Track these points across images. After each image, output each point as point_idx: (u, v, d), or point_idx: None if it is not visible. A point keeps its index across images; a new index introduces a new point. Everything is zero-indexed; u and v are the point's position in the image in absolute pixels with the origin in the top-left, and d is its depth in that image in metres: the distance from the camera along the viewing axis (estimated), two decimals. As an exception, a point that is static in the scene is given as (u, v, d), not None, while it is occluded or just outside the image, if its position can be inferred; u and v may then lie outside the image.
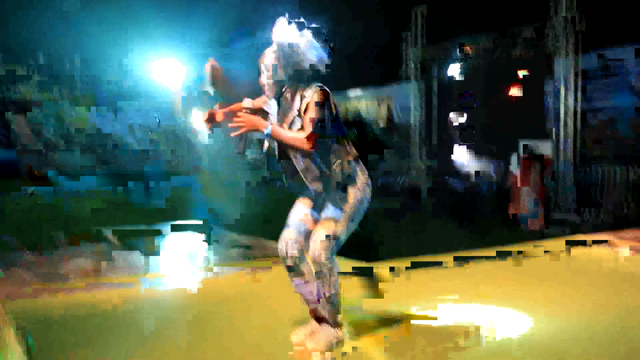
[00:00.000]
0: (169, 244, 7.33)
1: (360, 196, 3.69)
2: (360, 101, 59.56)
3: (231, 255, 7.07)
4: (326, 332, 3.49)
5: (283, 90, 3.64)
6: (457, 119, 21.26)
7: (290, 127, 3.48)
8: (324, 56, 3.73)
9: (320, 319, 3.54)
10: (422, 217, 16.80)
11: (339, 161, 3.58)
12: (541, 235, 11.01)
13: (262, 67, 3.57)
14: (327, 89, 3.86)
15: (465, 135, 20.60)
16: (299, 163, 3.52)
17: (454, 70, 21.33)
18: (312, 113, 3.51)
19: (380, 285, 5.27)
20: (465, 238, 11.36)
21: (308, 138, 3.38)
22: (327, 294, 3.49)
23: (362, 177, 3.73)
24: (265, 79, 3.56)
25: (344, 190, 3.60)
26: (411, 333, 3.72)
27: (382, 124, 55.53)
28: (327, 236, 3.52)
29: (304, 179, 3.59)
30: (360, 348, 3.53)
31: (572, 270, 5.76)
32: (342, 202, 3.57)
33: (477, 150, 31.97)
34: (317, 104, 3.55)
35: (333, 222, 3.57)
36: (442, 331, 3.76)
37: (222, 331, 4.02)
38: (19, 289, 5.05)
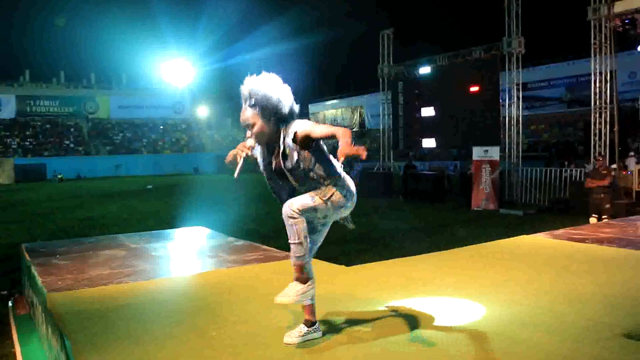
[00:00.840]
0: (174, 246, 7.21)
1: (343, 202, 3.36)
2: (336, 109, 59.63)
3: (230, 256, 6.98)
4: (294, 286, 3.28)
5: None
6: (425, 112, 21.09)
7: (284, 161, 3.28)
8: (291, 97, 3.45)
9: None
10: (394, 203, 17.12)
11: (329, 170, 3.33)
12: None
13: (245, 125, 3.35)
14: None
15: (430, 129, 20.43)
16: (299, 176, 3.32)
17: (417, 85, 21.45)
18: (311, 125, 3.26)
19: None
20: (421, 230, 11.51)
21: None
22: (291, 241, 3.22)
23: (350, 186, 3.43)
24: (251, 134, 3.31)
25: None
26: (362, 325, 3.57)
27: (355, 129, 55.58)
28: (310, 199, 3.25)
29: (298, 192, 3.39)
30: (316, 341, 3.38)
31: (517, 258, 5.77)
32: (324, 194, 3.29)
33: (439, 154, 32.29)
34: (305, 122, 3.31)
35: (310, 198, 3.26)
36: (391, 322, 3.64)
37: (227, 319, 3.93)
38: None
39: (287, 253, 6.38)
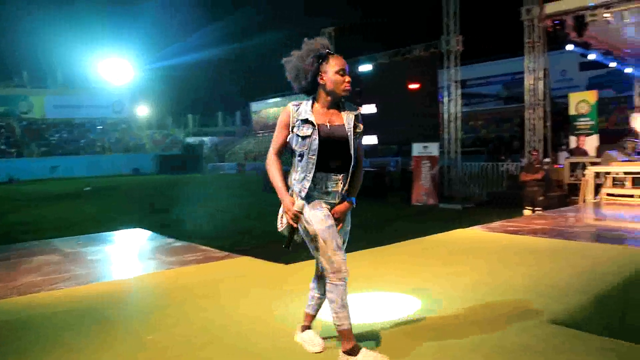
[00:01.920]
0: (112, 249, 7.07)
1: None
2: (278, 107, 59.38)
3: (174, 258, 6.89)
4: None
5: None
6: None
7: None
8: None
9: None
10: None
11: None
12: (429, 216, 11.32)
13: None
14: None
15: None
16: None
17: (358, 82, 21.62)
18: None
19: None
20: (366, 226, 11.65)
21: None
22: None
23: None
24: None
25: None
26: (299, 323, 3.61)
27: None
28: None
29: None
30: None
31: (454, 251, 5.92)
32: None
33: (380, 150, 32.70)
34: None
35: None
36: (329, 319, 3.68)
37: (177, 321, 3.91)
38: None
39: (226, 253, 6.38)
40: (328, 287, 2.96)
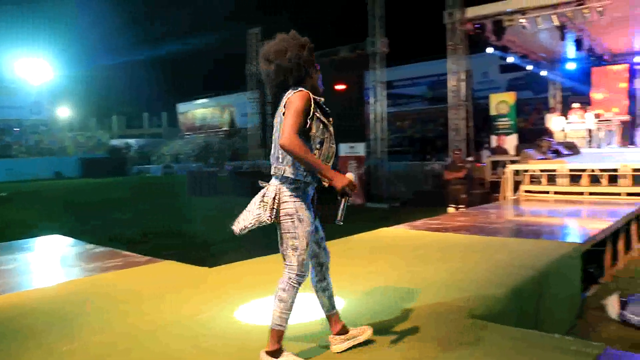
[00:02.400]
0: (29, 257, 6.76)
1: None
2: (205, 108, 58.64)
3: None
4: None
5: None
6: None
7: None
8: None
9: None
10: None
11: None
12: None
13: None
14: None
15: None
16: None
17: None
18: None
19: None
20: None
21: None
22: None
23: None
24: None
25: None
26: (224, 325, 3.59)
27: (225, 128, 55.00)
28: None
29: None
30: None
31: (377, 250, 5.99)
32: None
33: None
34: None
35: None
36: (250, 320, 3.69)
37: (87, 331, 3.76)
38: None
39: (149, 257, 6.22)
40: (284, 285, 2.94)
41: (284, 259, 2.99)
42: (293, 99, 2.84)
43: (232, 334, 3.40)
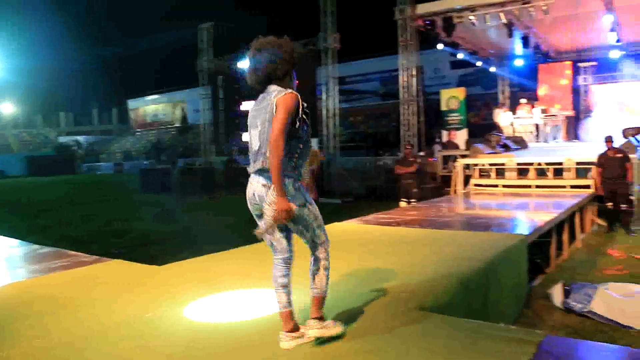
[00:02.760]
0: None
1: None
2: (157, 104, 57.77)
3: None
4: None
5: None
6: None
7: None
8: None
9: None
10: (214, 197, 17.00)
11: None
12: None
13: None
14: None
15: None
16: None
17: (237, 79, 21.51)
18: None
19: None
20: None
21: None
22: None
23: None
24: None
25: None
26: (167, 323, 3.54)
27: (177, 124, 54.27)
28: None
29: None
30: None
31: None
32: None
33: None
34: None
35: None
36: (197, 318, 3.65)
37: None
38: None
39: (96, 257, 6.09)
40: (327, 260, 3.24)
41: (315, 246, 3.21)
42: (285, 99, 2.97)
43: (181, 333, 3.35)
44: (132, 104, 60.31)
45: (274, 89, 3.07)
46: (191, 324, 3.53)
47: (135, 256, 6.73)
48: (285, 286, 3.19)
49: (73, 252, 6.36)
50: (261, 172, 3.03)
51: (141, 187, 22.17)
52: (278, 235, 3.16)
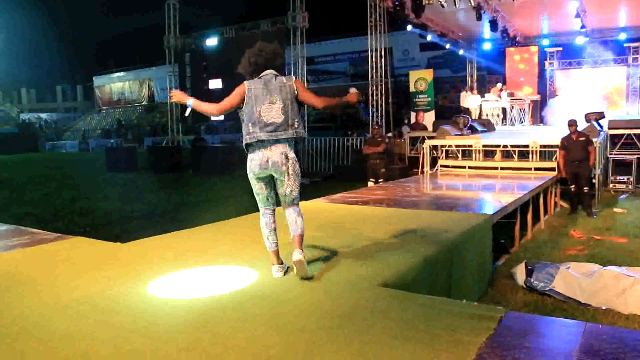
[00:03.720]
0: None
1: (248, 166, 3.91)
2: (123, 82, 56.68)
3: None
4: None
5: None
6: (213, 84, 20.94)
7: None
8: None
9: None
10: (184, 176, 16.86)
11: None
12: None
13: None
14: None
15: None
16: None
17: (204, 57, 21.22)
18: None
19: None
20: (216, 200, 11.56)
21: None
22: None
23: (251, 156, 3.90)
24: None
25: None
26: (130, 301, 3.47)
27: (144, 102, 53.40)
28: None
29: None
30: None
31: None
32: None
33: (229, 127, 32.50)
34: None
35: None
36: (159, 294, 3.61)
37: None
38: None
39: (57, 235, 5.97)
40: (298, 212, 3.98)
41: (292, 200, 3.95)
42: (301, 83, 4.00)
43: (143, 309, 3.29)
44: (97, 81, 59.02)
45: (275, 73, 3.90)
46: (154, 300, 3.48)
47: (99, 235, 6.62)
48: (275, 229, 4.00)
49: (34, 230, 6.22)
50: (288, 140, 3.85)
51: (107, 165, 21.81)
52: (268, 191, 3.97)
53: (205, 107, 4.00)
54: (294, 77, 3.94)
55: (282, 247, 4.05)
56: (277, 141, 3.79)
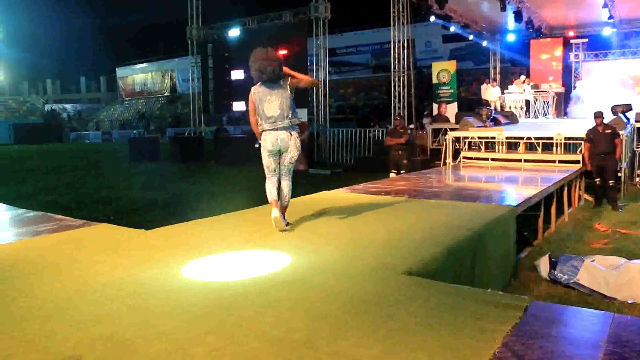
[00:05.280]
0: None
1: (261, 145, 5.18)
2: (146, 73, 57.03)
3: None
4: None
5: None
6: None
7: None
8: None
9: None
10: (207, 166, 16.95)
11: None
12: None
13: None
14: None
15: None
16: None
17: (227, 48, 21.26)
18: None
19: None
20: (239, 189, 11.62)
21: None
22: None
23: (262, 138, 5.16)
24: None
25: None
26: (158, 286, 3.51)
27: (166, 93, 53.69)
28: None
29: None
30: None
31: (319, 211, 5.98)
32: None
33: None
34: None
35: None
36: (188, 278, 3.64)
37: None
38: None
39: (83, 221, 6.05)
40: (290, 181, 5.28)
41: (289, 170, 5.22)
42: (290, 72, 5.16)
43: (172, 292, 3.33)
44: (120, 72, 59.50)
45: (275, 79, 5.05)
46: (182, 283, 3.51)
47: (123, 223, 6.67)
48: (276, 187, 5.15)
49: (60, 217, 6.30)
50: (288, 127, 5.06)
51: (130, 155, 22.03)
52: (276, 164, 5.16)
53: (253, 127, 5.31)
54: (288, 78, 5.08)
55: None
56: (281, 128, 5.05)
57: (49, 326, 2.86)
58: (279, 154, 5.12)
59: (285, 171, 5.19)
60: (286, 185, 5.21)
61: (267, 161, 5.15)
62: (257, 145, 5.34)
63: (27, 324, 2.90)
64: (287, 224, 5.08)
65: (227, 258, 4.16)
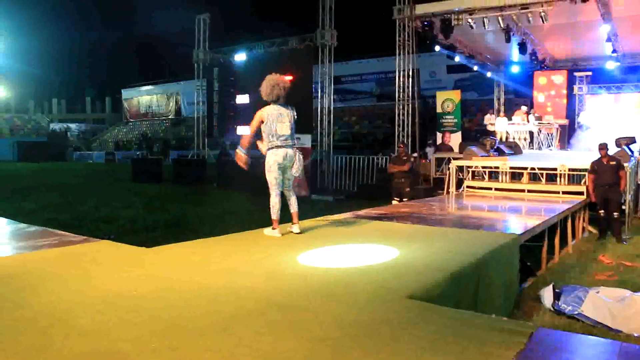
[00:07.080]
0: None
1: (268, 160, 5.78)
2: (151, 95, 57.41)
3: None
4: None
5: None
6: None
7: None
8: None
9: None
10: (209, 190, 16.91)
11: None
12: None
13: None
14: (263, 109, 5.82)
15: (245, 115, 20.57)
16: None
17: (233, 72, 21.40)
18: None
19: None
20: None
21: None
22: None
23: (270, 153, 5.76)
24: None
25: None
26: (155, 303, 3.49)
27: (171, 116, 53.95)
28: None
29: None
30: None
31: (319, 234, 5.96)
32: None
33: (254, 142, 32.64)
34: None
35: None
36: (187, 297, 3.63)
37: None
38: None
39: (84, 237, 6.02)
40: (295, 196, 6.01)
41: (290, 185, 5.96)
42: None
43: (174, 307, 3.29)
44: (126, 93, 59.97)
45: (284, 103, 5.88)
46: (177, 302, 3.47)
47: (123, 241, 6.63)
48: (280, 203, 5.81)
49: (61, 232, 6.28)
50: (293, 145, 5.81)
51: (132, 176, 22.02)
52: (281, 178, 5.80)
53: (245, 138, 5.99)
54: (293, 108, 5.93)
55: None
56: (287, 146, 5.74)
57: (46, 337, 2.83)
58: (285, 168, 5.76)
59: (289, 184, 5.90)
60: (291, 195, 5.95)
61: (276, 173, 5.74)
62: (243, 154, 5.90)
63: (23, 337, 2.86)
64: (299, 233, 5.91)
65: (219, 278, 4.12)
